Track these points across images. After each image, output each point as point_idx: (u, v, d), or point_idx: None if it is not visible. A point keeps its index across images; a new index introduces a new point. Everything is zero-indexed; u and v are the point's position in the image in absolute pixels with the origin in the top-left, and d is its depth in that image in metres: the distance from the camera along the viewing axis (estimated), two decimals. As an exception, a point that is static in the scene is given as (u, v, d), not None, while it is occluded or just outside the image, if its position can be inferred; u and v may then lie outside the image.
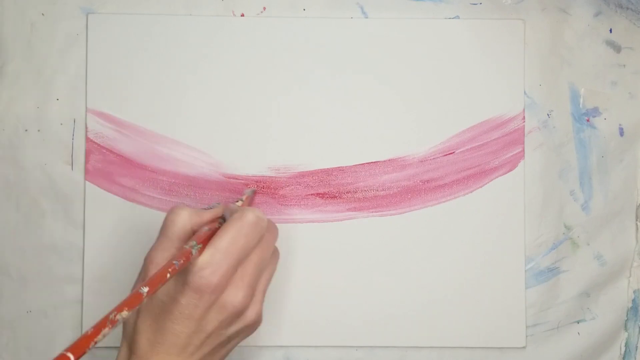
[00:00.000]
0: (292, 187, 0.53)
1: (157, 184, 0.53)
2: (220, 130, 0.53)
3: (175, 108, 0.53)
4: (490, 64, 0.54)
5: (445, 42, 0.54)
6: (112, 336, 0.51)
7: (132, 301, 0.39)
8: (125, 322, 0.45)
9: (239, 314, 0.44)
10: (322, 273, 0.53)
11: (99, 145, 0.53)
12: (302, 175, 0.53)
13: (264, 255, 0.45)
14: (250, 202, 0.51)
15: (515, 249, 0.53)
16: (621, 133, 0.54)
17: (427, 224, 0.53)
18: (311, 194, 0.53)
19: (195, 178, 0.53)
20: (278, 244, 0.53)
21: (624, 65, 0.54)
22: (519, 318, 0.53)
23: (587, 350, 0.54)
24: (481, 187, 0.54)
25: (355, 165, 0.53)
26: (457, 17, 0.54)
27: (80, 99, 0.53)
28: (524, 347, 0.54)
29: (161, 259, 0.44)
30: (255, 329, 0.46)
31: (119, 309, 0.38)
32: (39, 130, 0.53)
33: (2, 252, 0.53)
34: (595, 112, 0.54)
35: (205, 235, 0.44)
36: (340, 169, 0.53)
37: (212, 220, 0.46)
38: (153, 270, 0.44)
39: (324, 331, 0.53)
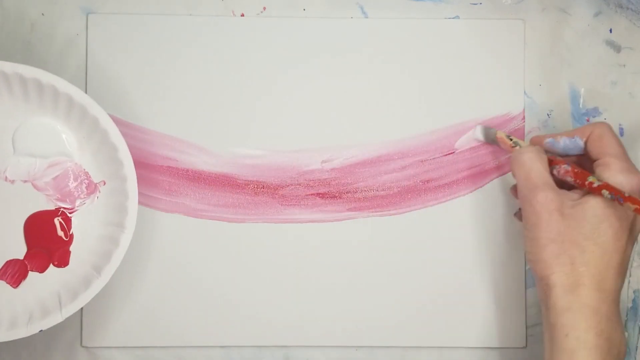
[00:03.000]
0: (292, 187, 0.53)
1: (157, 184, 0.53)
2: (220, 130, 0.53)
3: (175, 108, 0.53)
4: (490, 64, 0.54)
5: (445, 42, 0.54)
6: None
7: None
8: (554, 263, 0.44)
9: None
10: (322, 273, 0.53)
11: (99, 145, 0.53)
12: (302, 174, 0.53)
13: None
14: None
15: (516, 249, 0.53)
16: (621, 133, 0.54)
17: (427, 224, 0.53)
18: (311, 194, 0.53)
19: (196, 177, 0.53)
20: (279, 245, 0.53)
21: (624, 65, 0.54)
22: (519, 318, 0.53)
23: (587, 350, 0.54)
24: (481, 187, 0.54)
25: (356, 165, 0.53)
26: (457, 17, 0.54)
27: (80, 99, 0.53)
28: (524, 347, 0.54)
29: (554, 192, 0.44)
30: None
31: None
32: (39, 130, 0.53)
33: (2, 252, 0.53)
34: (595, 112, 0.54)
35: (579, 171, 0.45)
36: (341, 169, 0.53)
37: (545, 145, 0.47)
38: (556, 205, 0.44)
39: (324, 331, 0.53)
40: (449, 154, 0.54)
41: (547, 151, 0.48)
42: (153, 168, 0.53)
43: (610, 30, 0.54)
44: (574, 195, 0.45)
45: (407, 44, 0.54)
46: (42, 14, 0.53)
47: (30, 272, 0.49)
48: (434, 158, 0.54)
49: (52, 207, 0.49)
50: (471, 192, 0.54)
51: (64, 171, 0.49)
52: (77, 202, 0.49)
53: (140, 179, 0.53)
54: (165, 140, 0.53)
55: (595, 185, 0.44)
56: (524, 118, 0.54)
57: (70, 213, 0.49)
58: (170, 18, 0.53)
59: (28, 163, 0.49)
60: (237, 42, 0.53)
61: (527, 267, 0.54)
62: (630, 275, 0.54)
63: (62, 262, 0.49)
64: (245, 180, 0.53)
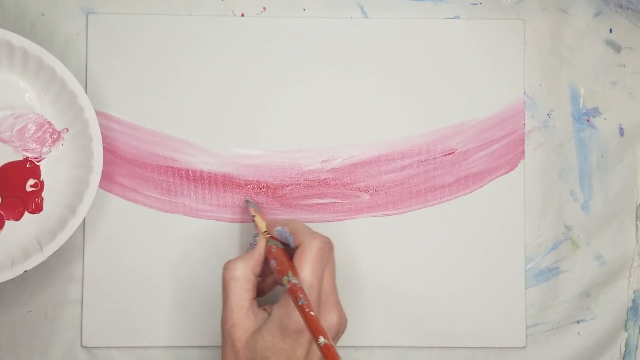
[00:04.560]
0: (292, 187, 0.53)
1: (157, 184, 0.53)
2: (220, 130, 0.53)
3: (175, 108, 0.53)
4: (490, 64, 0.54)
5: (445, 42, 0.54)
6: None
7: (332, 354, 0.41)
8: None
9: (339, 331, 0.46)
10: (322, 273, 0.53)
11: (99, 145, 0.53)
12: (302, 174, 0.53)
13: (332, 270, 0.47)
14: (257, 211, 0.51)
15: (515, 249, 0.53)
16: (621, 133, 0.54)
17: (427, 224, 0.53)
18: (311, 194, 0.53)
19: (196, 177, 0.53)
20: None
21: (624, 65, 0.54)
22: (519, 318, 0.53)
23: (587, 350, 0.54)
24: (481, 187, 0.54)
25: (355, 165, 0.53)
26: (457, 17, 0.54)
27: (80, 99, 0.53)
28: (524, 347, 0.54)
29: (239, 319, 0.45)
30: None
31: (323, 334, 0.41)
32: (39, 130, 0.53)
33: (2, 252, 0.53)
34: (595, 112, 0.54)
35: (290, 265, 0.45)
36: (341, 169, 0.53)
37: (267, 247, 0.47)
38: (237, 334, 0.45)
39: (324, 331, 0.53)
40: (449, 154, 0.54)
41: (277, 237, 0.48)
42: (153, 168, 0.53)
43: (610, 30, 0.54)
44: (261, 316, 0.45)
45: (407, 44, 0.54)
46: (42, 14, 0.53)
47: (6, 221, 0.51)
48: (434, 158, 0.54)
49: (20, 158, 0.51)
50: (471, 192, 0.54)
51: (27, 122, 0.51)
52: (44, 150, 0.51)
53: (141, 179, 0.53)
54: (165, 140, 0.53)
55: (285, 286, 0.44)
56: (524, 118, 0.54)
57: (37, 161, 0.51)
58: (170, 18, 0.53)
59: None
60: (237, 42, 0.53)
61: (527, 267, 0.54)
62: (630, 276, 0.54)
63: (37, 208, 0.51)
64: (245, 180, 0.53)
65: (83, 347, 0.53)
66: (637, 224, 0.54)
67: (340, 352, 0.53)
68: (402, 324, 0.53)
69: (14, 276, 0.48)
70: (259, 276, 0.48)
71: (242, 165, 0.53)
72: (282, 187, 0.53)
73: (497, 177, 0.54)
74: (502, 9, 0.54)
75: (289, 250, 0.47)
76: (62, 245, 0.52)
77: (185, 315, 0.53)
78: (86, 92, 0.53)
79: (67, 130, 0.51)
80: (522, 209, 0.54)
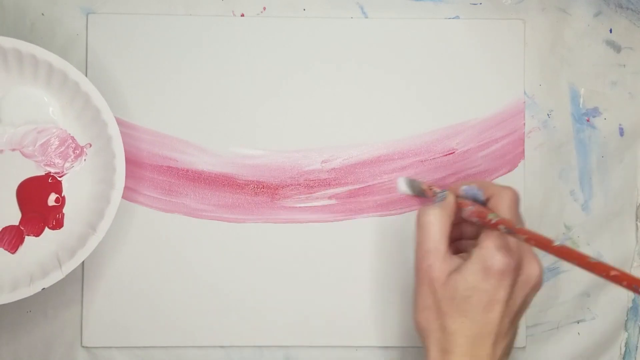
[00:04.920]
0: (292, 187, 0.53)
1: (157, 184, 0.53)
2: (220, 130, 0.53)
3: (175, 108, 0.53)
4: (490, 64, 0.54)
5: (445, 42, 0.54)
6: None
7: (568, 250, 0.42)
8: (428, 328, 0.45)
9: (539, 281, 0.45)
10: (322, 273, 0.53)
11: (99, 145, 0.53)
12: (302, 174, 0.53)
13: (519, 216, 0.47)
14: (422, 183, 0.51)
15: (515, 249, 0.53)
16: (621, 133, 0.54)
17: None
18: (311, 194, 0.53)
19: (196, 177, 0.53)
20: (279, 245, 0.53)
21: (624, 65, 0.54)
22: (519, 318, 0.53)
23: (587, 350, 0.54)
24: (481, 187, 0.54)
25: (356, 165, 0.53)
26: (457, 17, 0.54)
27: (80, 99, 0.53)
28: (524, 347, 0.54)
29: (437, 260, 0.45)
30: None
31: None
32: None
33: (2, 252, 0.53)
34: (595, 112, 0.54)
35: (481, 208, 0.46)
36: (341, 169, 0.53)
37: (458, 204, 0.47)
38: (435, 274, 0.45)
39: (324, 331, 0.53)
40: (449, 154, 0.54)
41: (462, 197, 0.47)
42: (153, 168, 0.53)
43: (610, 30, 0.54)
44: (457, 261, 0.45)
45: (407, 44, 0.54)
46: (42, 14, 0.53)
47: (26, 236, 0.50)
48: (434, 158, 0.54)
49: (42, 173, 0.51)
50: (471, 192, 0.54)
51: (50, 137, 0.51)
52: (66, 166, 0.51)
53: (141, 179, 0.53)
54: (165, 140, 0.53)
55: (493, 221, 0.44)
56: (524, 118, 0.54)
57: (60, 177, 0.51)
58: (170, 18, 0.53)
59: (15, 132, 0.51)
60: (237, 42, 0.53)
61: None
62: (630, 275, 0.54)
63: (57, 224, 0.51)
64: (245, 180, 0.53)
65: (83, 347, 0.53)
66: (637, 224, 0.54)
67: (341, 352, 0.53)
68: (402, 324, 0.53)
69: (32, 293, 0.48)
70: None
71: (242, 165, 0.53)
72: (282, 187, 0.53)
73: (497, 177, 0.54)
74: (502, 9, 0.54)
75: None
76: (62, 245, 0.52)
77: (185, 315, 0.53)
78: (86, 92, 0.53)
79: (90, 145, 0.50)
80: (522, 209, 0.53)
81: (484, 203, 0.47)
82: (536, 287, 0.46)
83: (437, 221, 0.46)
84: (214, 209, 0.53)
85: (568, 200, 0.54)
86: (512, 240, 0.45)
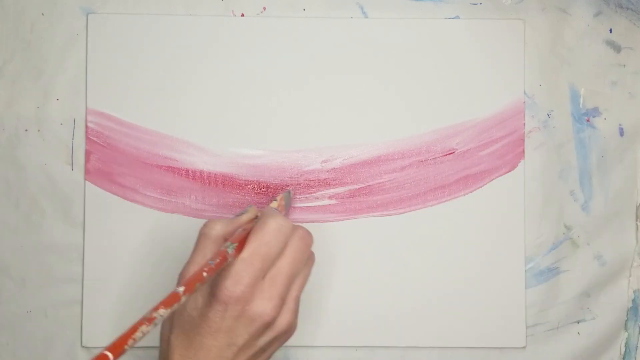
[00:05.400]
0: (292, 187, 0.53)
1: (157, 184, 0.53)
2: (220, 130, 0.53)
3: (175, 108, 0.53)
4: (490, 64, 0.54)
5: (445, 42, 0.54)
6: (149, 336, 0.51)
7: (169, 300, 0.40)
8: (161, 337, 0.45)
9: (268, 324, 0.44)
10: (321, 273, 0.53)
11: (99, 145, 0.53)
12: (302, 174, 0.53)
13: (295, 262, 0.45)
14: (288, 204, 0.51)
15: (515, 249, 0.53)
16: (621, 133, 0.54)
17: (427, 224, 0.53)
18: (311, 194, 0.53)
19: (196, 177, 0.53)
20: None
21: (624, 65, 0.54)
22: (519, 318, 0.53)
23: (587, 350, 0.54)
24: (481, 187, 0.54)
25: (355, 165, 0.53)
26: (457, 17, 0.54)
27: (80, 99, 0.53)
28: (524, 347, 0.54)
29: (198, 259, 0.45)
30: (289, 338, 0.46)
31: (156, 308, 0.39)
32: (39, 130, 0.53)
33: (2, 252, 0.53)
34: (595, 112, 0.54)
35: (241, 235, 0.44)
36: (341, 169, 0.53)
37: (248, 222, 0.46)
38: None
39: (324, 331, 0.53)
40: (449, 154, 0.54)
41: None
42: (153, 168, 0.53)
43: (610, 30, 0.54)
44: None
45: (407, 44, 0.54)
46: (42, 14, 0.53)
47: None
48: (434, 158, 0.54)
49: None
50: (471, 192, 0.54)
51: None
52: None
53: (141, 179, 0.53)
54: (165, 140, 0.53)
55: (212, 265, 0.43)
56: (524, 118, 0.54)
57: None
58: (170, 18, 0.53)
59: None
60: (237, 42, 0.53)
61: (527, 267, 0.54)
62: (630, 276, 0.54)
63: None
64: (245, 180, 0.53)
65: (83, 347, 0.53)
66: (637, 224, 0.54)
67: (341, 352, 0.53)
68: (402, 324, 0.53)
69: None
70: None
71: (242, 165, 0.53)
72: (282, 187, 0.53)
73: (497, 177, 0.54)
74: (502, 9, 0.54)
75: None
76: (61, 246, 0.52)
77: (185, 315, 0.53)
78: (86, 92, 0.53)
79: None
80: (522, 209, 0.54)
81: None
82: (269, 329, 0.44)
83: (213, 235, 0.45)
84: (214, 209, 0.53)
85: (568, 200, 0.54)
86: (246, 274, 0.43)
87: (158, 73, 0.53)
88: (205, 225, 0.46)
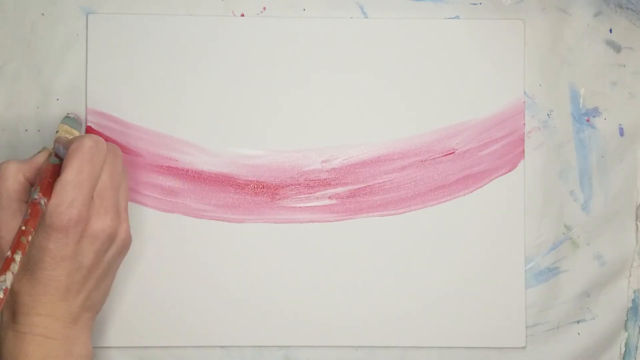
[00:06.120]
0: (292, 186, 0.53)
1: (157, 184, 0.53)
2: (220, 130, 0.53)
3: (175, 108, 0.53)
4: (490, 64, 0.54)
5: (445, 42, 0.54)
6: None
7: (5, 265, 0.40)
8: None
9: (112, 238, 0.45)
10: (322, 273, 0.53)
11: (99, 145, 0.53)
12: (302, 174, 0.53)
13: (114, 174, 0.46)
14: (77, 127, 0.50)
15: (515, 249, 0.53)
16: (621, 133, 0.54)
17: (427, 224, 0.53)
18: (311, 194, 0.53)
19: (196, 177, 0.53)
20: (279, 245, 0.53)
21: (624, 65, 0.54)
22: (519, 318, 0.53)
23: (587, 350, 0.54)
24: (481, 187, 0.54)
25: (355, 165, 0.53)
26: (457, 17, 0.54)
27: (80, 99, 0.53)
28: (524, 347, 0.54)
29: (4, 218, 0.44)
30: (129, 247, 0.47)
31: None
32: (39, 130, 0.53)
33: (2, 252, 0.53)
34: (595, 112, 0.54)
35: (46, 182, 0.44)
36: (341, 169, 0.53)
37: (45, 163, 0.46)
38: (2, 230, 0.44)
39: (324, 331, 0.53)
40: (449, 154, 0.54)
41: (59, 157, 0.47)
42: (153, 168, 0.53)
43: (610, 30, 0.54)
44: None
45: (407, 44, 0.54)
46: (42, 14, 0.53)
47: None
48: (434, 158, 0.54)
49: None
50: (471, 192, 0.54)
51: None
52: None
53: (141, 179, 0.53)
54: (165, 140, 0.53)
55: (30, 201, 0.43)
56: (524, 118, 0.54)
57: None
58: (170, 18, 0.53)
59: None
60: (237, 42, 0.53)
61: (527, 267, 0.54)
62: (630, 276, 0.54)
63: None
64: (245, 180, 0.53)
65: (83, 347, 0.53)
66: (637, 224, 0.54)
67: (341, 352, 0.53)
68: (402, 324, 0.53)
69: None
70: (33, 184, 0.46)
71: (242, 165, 0.53)
72: (282, 187, 0.53)
73: (497, 177, 0.54)
74: (502, 9, 0.54)
75: None
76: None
77: (185, 315, 0.53)
78: (86, 92, 0.53)
79: None
80: (522, 209, 0.54)
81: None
82: (112, 241, 0.45)
83: (9, 175, 0.45)
84: (214, 209, 0.53)
85: (568, 200, 0.54)
86: (79, 193, 0.43)
87: (158, 73, 0.53)
88: None
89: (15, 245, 0.41)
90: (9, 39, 0.53)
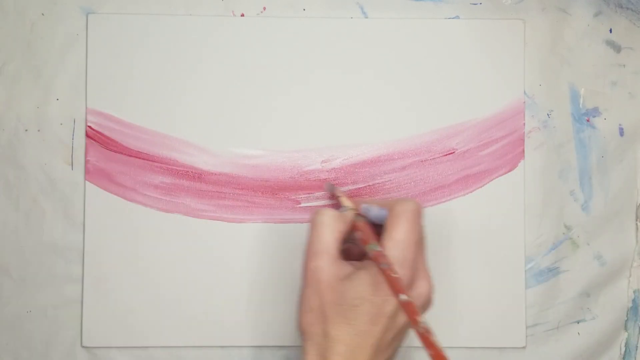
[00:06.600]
0: (292, 186, 0.53)
1: (157, 184, 0.53)
2: (220, 130, 0.53)
3: (175, 108, 0.53)
4: (490, 64, 0.54)
5: (445, 42, 0.54)
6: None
7: (412, 310, 0.42)
8: (309, 331, 0.44)
9: (427, 302, 0.45)
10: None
11: (99, 145, 0.53)
12: (302, 174, 0.53)
13: (424, 239, 0.46)
14: (341, 193, 0.51)
15: (515, 249, 0.53)
16: (621, 133, 0.54)
17: (426, 224, 0.53)
18: (311, 194, 0.53)
19: (196, 177, 0.53)
20: (279, 245, 0.53)
21: (624, 65, 0.54)
22: (519, 318, 0.53)
23: (587, 350, 0.54)
24: (481, 187, 0.54)
25: (355, 165, 0.53)
26: (457, 17, 0.54)
27: (80, 99, 0.53)
28: (524, 347, 0.54)
29: (327, 263, 0.45)
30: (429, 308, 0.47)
31: (415, 320, 0.43)
32: (39, 130, 0.53)
33: (2, 252, 0.53)
34: (595, 112, 0.54)
35: (366, 235, 0.45)
36: (341, 169, 0.53)
37: (355, 219, 0.47)
38: (324, 277, 0.44)
39: (324, 331, 0.53)
40: (449, 154, 0.54)
41: (363, 216, 0.47)
42: (153, 168, 0.53)
43: (610, 30, 0.54)
44: (348, 268, 0.45)
45: (407, 44, 0.54)
46: (42, 14, 0.53)
47: None
48: (434, 158, 0.54)
49: None
50: (471, 192, 0.54)
51: None
52: None
53: (141, 179, 0.53)
54: (165, 140, 0.53)
55: (369, 254, 0.44)
56: (524, 118, 0.54)
57: None
58: (170, 18, 0.53)
59: None
60: (237, 42, 0.53)
61: (527, 267, 0.54)
62: (630, 276, 0.54)
63: None
64: (245, 180, 0.53)
65: (83, 347, 0.53)
66: (637, 224, 0.54)
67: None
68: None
69: None
70: (344, 243, 0.47)
71: (242, 165, 0.53)
72: (282, 187, 0.53)
73: (497, 177, 0.54)
74: (502, 9, 0.54)
75: (376, 229, 0.47)
76: (61, 246, 0.52)
77: (186, 315, 0.53)
78: (86, 92, 0.53)
79: None
80: (522, 209, 0.54)
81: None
82: (425, 305, 0.46)
83: (331, 223, 0.45)
84: (214, 209, 0.53)
85: (568, 200, 0.54)
86: (409, 253, 0.44)
87: (158, 73, 0.53)
88: (318, 213, 0.46)
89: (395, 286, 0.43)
90: (9, 39, 0.53)
